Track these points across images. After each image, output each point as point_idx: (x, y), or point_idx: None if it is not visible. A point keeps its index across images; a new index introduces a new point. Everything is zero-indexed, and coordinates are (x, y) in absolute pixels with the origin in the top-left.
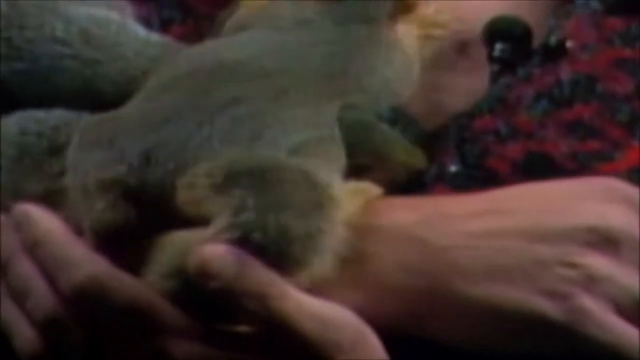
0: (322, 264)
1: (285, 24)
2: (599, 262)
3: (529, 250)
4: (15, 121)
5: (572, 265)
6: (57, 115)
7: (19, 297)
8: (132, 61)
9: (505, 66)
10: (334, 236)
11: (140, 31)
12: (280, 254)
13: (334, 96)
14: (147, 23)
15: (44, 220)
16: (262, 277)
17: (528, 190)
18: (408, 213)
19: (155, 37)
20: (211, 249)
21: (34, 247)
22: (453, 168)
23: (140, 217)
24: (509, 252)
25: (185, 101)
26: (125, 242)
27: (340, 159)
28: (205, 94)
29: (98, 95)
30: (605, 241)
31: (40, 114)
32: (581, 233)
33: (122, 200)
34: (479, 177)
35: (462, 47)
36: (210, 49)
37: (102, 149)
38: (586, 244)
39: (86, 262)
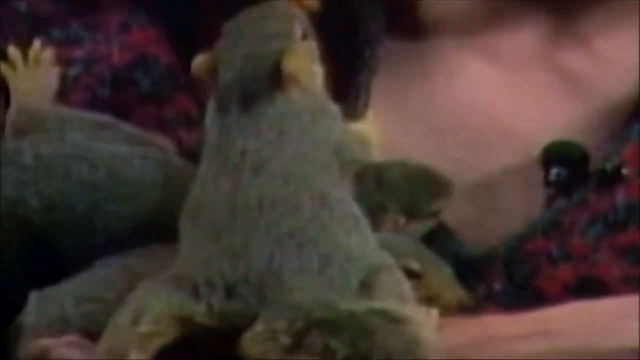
0: None
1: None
2: None
3: None
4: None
5: None
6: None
7: None
8: (162, 190)
9: (560, 190)
10: None
11: (172, 159)
12: None
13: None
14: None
15: None
16: None
17: (574, 310)
18: (456, 336)
19: (180, 161)
20: None
21: None
22: (501, 287)
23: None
24: None
25: (246, 238)
26: None
27: (406, 284)
28: (265, 230)
29: (140, 230)
30: None
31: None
32: (627, 354)
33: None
34: (527, 296)
35: (518, 171)
36: (225, 190)
37: (172, 288)
38: None
39: None
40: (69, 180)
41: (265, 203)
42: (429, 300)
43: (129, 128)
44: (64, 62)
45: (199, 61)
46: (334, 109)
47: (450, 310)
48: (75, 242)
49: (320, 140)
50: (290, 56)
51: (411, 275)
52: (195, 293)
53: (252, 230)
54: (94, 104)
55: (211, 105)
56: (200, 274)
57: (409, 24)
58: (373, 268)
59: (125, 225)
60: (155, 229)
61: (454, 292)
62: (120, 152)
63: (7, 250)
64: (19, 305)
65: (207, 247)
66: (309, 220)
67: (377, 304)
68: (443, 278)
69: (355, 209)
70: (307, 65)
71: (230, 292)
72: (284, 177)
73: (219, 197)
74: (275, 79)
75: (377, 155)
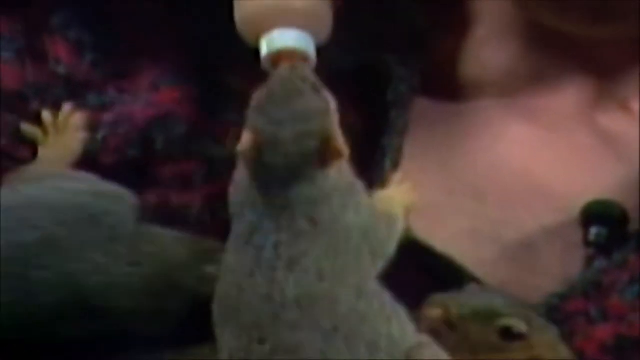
0: None
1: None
2: None
3: None
4: None
5: None
6: None
7: None
8: (105, 260)
9: (600, 250)
10: None
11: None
12: None
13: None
14: None
15: None
16: None
17: None
18: None
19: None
20: None
21: None
22: None
23: None
24: None
25: (292, 337)
26: None
27: (443, 356)
28: (308, 328)
29: (70, 304)
30: None
31: None
32: None
33: None
34: None
35: (557, 230)
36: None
37: None
38: None
39: None
40: (5, 236)
41: (302, 300)
42: None
43: (93, 181)
44: (96, 126)
45: (245, 142)
46: (358, 183)
47: None
48: (9, 299)
49: (350, 225)
50: (335, 132)
51: (515, 336)
52: None
53: (295, 329)
54: (124, 164)
55: (248, 182)
56: None
57: (448, 84)
58: (414, 345)
59: (54, 296)
60: (88, 306)
61: (559, 354)
62: (70, 211)
63: None
64: None
65: (255, 347)
66: (348, 313)
67: None
68: (549, 339)
69: (389, 298)
70: (343, 138)
71: None
72: (318, 273)
73: (256, 295)
74: (321, 156)
75: (405, 225)
